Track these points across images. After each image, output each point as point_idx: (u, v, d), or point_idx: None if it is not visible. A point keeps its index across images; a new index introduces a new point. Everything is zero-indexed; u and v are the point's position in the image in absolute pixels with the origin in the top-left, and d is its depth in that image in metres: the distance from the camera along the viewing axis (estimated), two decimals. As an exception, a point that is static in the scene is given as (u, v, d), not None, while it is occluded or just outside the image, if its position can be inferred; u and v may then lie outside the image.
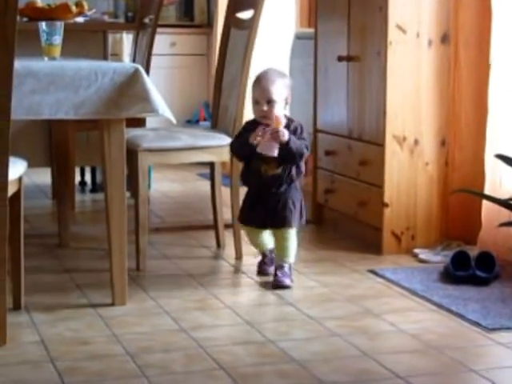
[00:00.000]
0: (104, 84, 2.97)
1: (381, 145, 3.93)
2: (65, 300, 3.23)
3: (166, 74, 6.70)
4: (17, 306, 3.08)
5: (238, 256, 3.86)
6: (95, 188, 5.46)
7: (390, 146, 3.91)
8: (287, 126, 3.33)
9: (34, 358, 2.65)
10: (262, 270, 3.62)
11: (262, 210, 3.41)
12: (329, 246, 4.12)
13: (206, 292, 3.35)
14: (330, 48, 4.39)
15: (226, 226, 4.04)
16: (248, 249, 3.94)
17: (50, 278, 3.51)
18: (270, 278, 3.48)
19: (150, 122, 4.75)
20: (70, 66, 2.98)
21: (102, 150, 3.11)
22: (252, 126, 3.37)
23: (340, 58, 4.22)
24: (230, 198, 3.88)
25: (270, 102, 3.31)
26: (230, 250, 3.93)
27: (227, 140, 3.76)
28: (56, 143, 4.07)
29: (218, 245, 4.04)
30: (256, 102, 3.34)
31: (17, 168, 2.92)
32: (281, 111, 3.34)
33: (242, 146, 3.39)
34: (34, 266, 3.60)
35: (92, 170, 5.49)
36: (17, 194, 2.97)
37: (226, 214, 4.02)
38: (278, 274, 3.40)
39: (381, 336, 2.88)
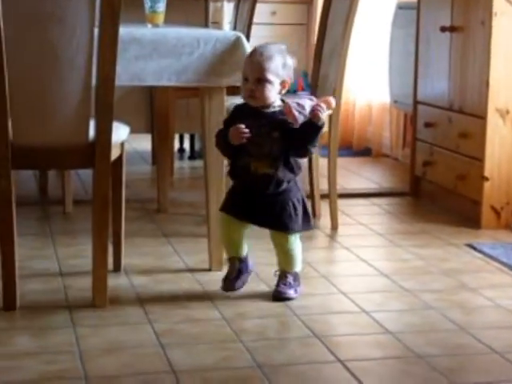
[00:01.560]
0: (206, 51, 3.00)
1: (482, 118, 3.86)
2: (163, 264, 3.29)
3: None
4: (117, 269, 3.15)
5: (334, 226, 3.85)
6: (193, 155, 5.53)
7: (492, 119, 3.84)
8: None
9: (132, 319, 2.72)
10: (228, 284, 2.95)
11: (254, 206, 2.85)
12: (426, 218, 4.08)
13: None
14: (433, 18, 4.31)
15: (322, 197, 4.04)
16: (344, 219, 3.94)
17: (148, 242, 3.58)
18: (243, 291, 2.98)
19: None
20: (172, 33, 3.01)
21: (202, 117, 3.14)
22: (240, 112, 2.83)
23: (443, 29, 4.15)
24: (327, 168, 3.88)
25: (260, 80, 2.75)
26: (325, 221, 3.93)
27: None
28: (157, 110, 4.13)
29: (314, 214, 4.04)
30: (245, 79, 2.78)
31: (120, 133, 2.97)
32: (274, 95, 2.78)
33: (225, 140, 2.80)
34: (133, 229, 3.67)
35: (191, 137, 5.55)
36: (119, 159, 3.03)
37: (323, 184, 4.02)
38: (280, 284, 2.91)
39: (477, 311, 2.85)
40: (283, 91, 2.81)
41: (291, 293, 2.90)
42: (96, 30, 2.68)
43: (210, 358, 2.42)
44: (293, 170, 2.83)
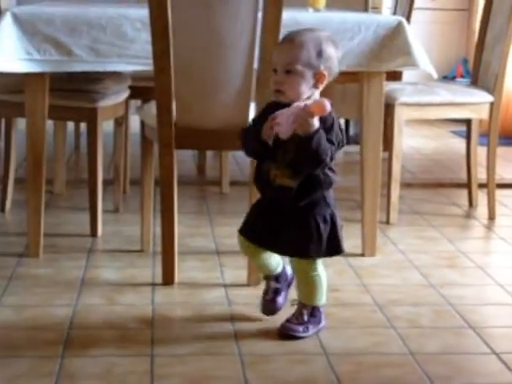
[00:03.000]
0: (367, 36, 2.99)
1: None
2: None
3: (425, 28, 6.60)
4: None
5: (491, 216, 3.77)
6: (348, 140, 5.52)
7: None
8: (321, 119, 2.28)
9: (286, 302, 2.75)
10: (266, 307, 2.59)
11: (271, 226, 2.41)
12: None
13: (455, 250, 3.32)
14: None
15: (480, 186, 3.96)
16: (501, 210, 3.85)
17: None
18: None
19: (405, 76, 4.71)
20: (334, 17, 3.02)
21: (360, 102, 3.13)
22: (271, 110, 2.34)
23: None
24: (485, 158, 3.80)
25: (289, 72, 2.31)
26: (482, 210, 3.86)
27: (487, 97, 3.68)
28: (314, 94, 4.14)
29: (471, 204, 3.98)
30: (274, 70, 2.35)
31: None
32: (304, 89, 2.33)
33: (251, 138, 2.38)
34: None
35: (346, 122, 5.55)
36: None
37: (481, 173, 3.95)
38: (292, 317, 2.48)
39: None
40: (319, 85, 2.34)
41: (299, 330, 2.44)
42: (259, 14, 2.72)
43: (361, 343, 2.43)
44: (320, 184, 2.35)
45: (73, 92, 3.23)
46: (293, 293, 2.57)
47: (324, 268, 2.47)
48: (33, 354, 2.30)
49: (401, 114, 3.63)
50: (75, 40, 2.85)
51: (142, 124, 3.07)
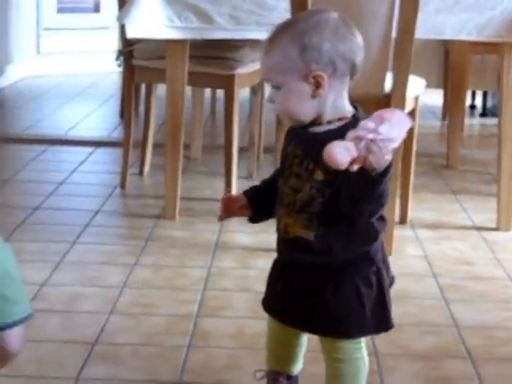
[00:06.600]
0: (510, 6, 2.92)
1: None
2: (449, 219, 3.28)
3: None
4: (403, 221, 3.19)
5: None
6: (485, 112, 5.41)
7: None
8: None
9: (416, 271, 2.75)
10: None
11: (289, 293, 1.71)
12: None
13: None
14: None
15: None
16: None
17: (435, 197, 3.57)
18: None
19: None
20: (476, -14, 2.96)
21: (499, 74, 3.07)
22: (290, 132, 1.73)
23: None
24: None
25: (274, 87, 1.64)
26: None
27: None
28: (452, 65, 4.09)
29: None
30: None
31: (415, 86, 2.99)
32: (302, 104, 1.61)
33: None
34: (420, 183, 3.68)
35: (483, 94, 5.43)
36: (412, 113, 3.04)
37: None
38: None
39: None
40: (321, 91, 1.60)
41: None
42: (399, -17, 2.70)
43: (493, 317, 2.40)
44: (355, 235, 1.65)
45: (211, 59, 3.29)
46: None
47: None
48: (169, 312, 2.38)
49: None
50: (216, 8, 2.90)
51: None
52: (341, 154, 1.45)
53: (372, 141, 1.46)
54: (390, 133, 1.47)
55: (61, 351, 2.13)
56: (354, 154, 1.46)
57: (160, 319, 2.33)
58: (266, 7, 2.87)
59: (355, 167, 1.46)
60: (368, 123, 1.47)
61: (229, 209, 1.76)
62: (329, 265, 1.66)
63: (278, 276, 1.74)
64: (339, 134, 1.53)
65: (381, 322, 1.70)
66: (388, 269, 1.72)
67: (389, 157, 1.48)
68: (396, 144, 1.48)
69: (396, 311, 2.38)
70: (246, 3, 2.88)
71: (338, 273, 1.66)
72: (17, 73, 5.80)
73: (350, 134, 1.48)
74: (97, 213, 3.22)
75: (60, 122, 4.74)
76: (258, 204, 1.76)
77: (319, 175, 1.61)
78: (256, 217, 1.78)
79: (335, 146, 1.46)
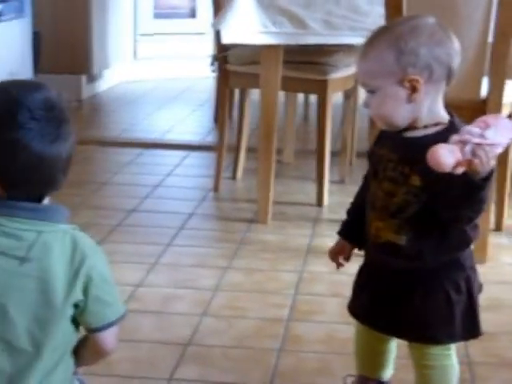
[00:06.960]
0: None
1: None
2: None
3: None
4: (498, 228, 3.13)
5: None
6: None
7: None
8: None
9: (511, 279, 2.70)
10: None
11: (377, 298, 1.73)
12: None
13: None
14: None
15: None
16: None
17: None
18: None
19: None
20: None
21: None
22: (381, 136, 1.74)
23: None
24: None
25: (370, 91, 1.66)
26: None
27: None
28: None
29: None
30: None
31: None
32: (396, 108, 1.62)
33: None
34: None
35: None
36: (508, 118, 2.99)
37: None
38: None
39: None
40: (416, 96, 1.61)
41: None
42: (496, -13, 2.66)
43: None
44: (447, 241, 1.65)
45: (304, 64, 3.30)
46: None
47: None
48: (260, 315, 2.40)
49: None
50: (309, 13, 2.91)
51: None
52: (446, 156, 1.45)
53: (478, 145, 1.46)
54: (496, 138, 1.48)
55: (154, 351, 2.17)
56: (460, 157, 1.46)
57: (251, 322, 2.35)
58: (360, 12, 2.87)
59: (460, 170, 1.46)
60: (473, 128, 1.48)
61: (338, 261, 1.83)
62: (419, 270, 1.66)
63: (366, 280, 1.76)
64: (437, 138, 1.53)
65: (470, 328, 1.69)
66: (476, 276, 1.71)
67: (493, 162, 1.49)
68: (500, 149, 1.49)
69: (490, 319, 2.37)
70: (340, 9, 2.88)
71: (428, 278, 1.66)
72: (114, 77, 5.92)
73: (455, 138, 1.48)
74: (190, 216, 3.26)
75: (155, 125, 4.82)
76: (358, 238, 1.78)
77: (416, 180, 1.61)
78: (362, 245, 1.79)
79: (440, 147, 1.46)
